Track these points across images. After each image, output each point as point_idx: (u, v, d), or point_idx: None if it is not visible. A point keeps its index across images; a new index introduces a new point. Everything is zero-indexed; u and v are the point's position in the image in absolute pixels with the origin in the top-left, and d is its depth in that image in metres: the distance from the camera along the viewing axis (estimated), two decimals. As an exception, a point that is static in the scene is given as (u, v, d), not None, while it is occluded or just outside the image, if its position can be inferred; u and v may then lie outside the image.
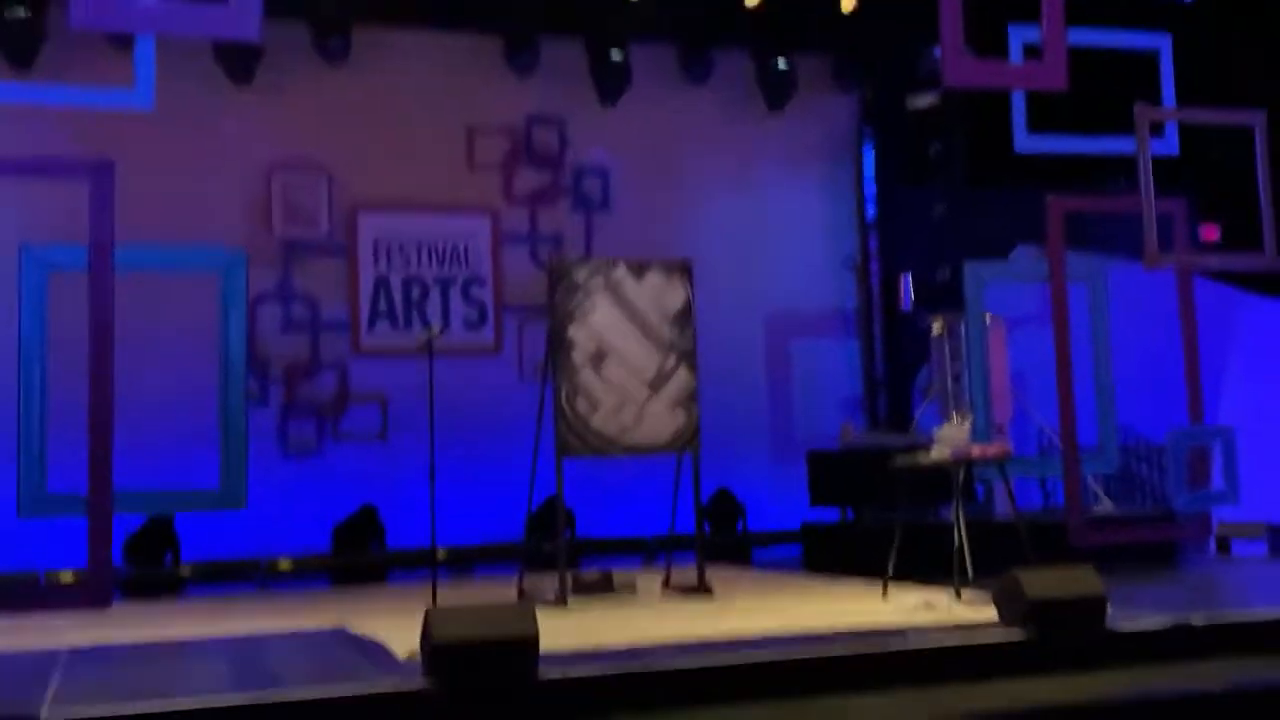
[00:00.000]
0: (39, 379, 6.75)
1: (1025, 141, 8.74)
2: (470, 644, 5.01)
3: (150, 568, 9.92)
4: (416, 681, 5.02)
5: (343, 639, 6.60)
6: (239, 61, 10.62)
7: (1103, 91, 9.53)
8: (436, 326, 7.40)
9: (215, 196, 10.75)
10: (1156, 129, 9.00)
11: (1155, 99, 9.22)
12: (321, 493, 10.77)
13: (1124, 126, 8.85)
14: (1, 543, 9.27)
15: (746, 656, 5.48)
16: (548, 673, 5.10)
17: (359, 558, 10.54)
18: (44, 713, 4.61)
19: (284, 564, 10.39)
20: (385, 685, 5.03)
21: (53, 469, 7.06)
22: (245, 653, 6.31)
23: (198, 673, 5.93)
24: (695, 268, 8.46)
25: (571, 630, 6.36)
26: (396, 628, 6.35)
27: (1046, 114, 9.64)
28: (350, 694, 4.92)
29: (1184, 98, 9.45)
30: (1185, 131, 9.66)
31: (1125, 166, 10.20)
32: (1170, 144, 9.05)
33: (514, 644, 5.07)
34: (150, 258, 7.46)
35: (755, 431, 12.19)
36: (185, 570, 10.05)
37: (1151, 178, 8.43)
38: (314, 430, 11.07)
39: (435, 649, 4.96)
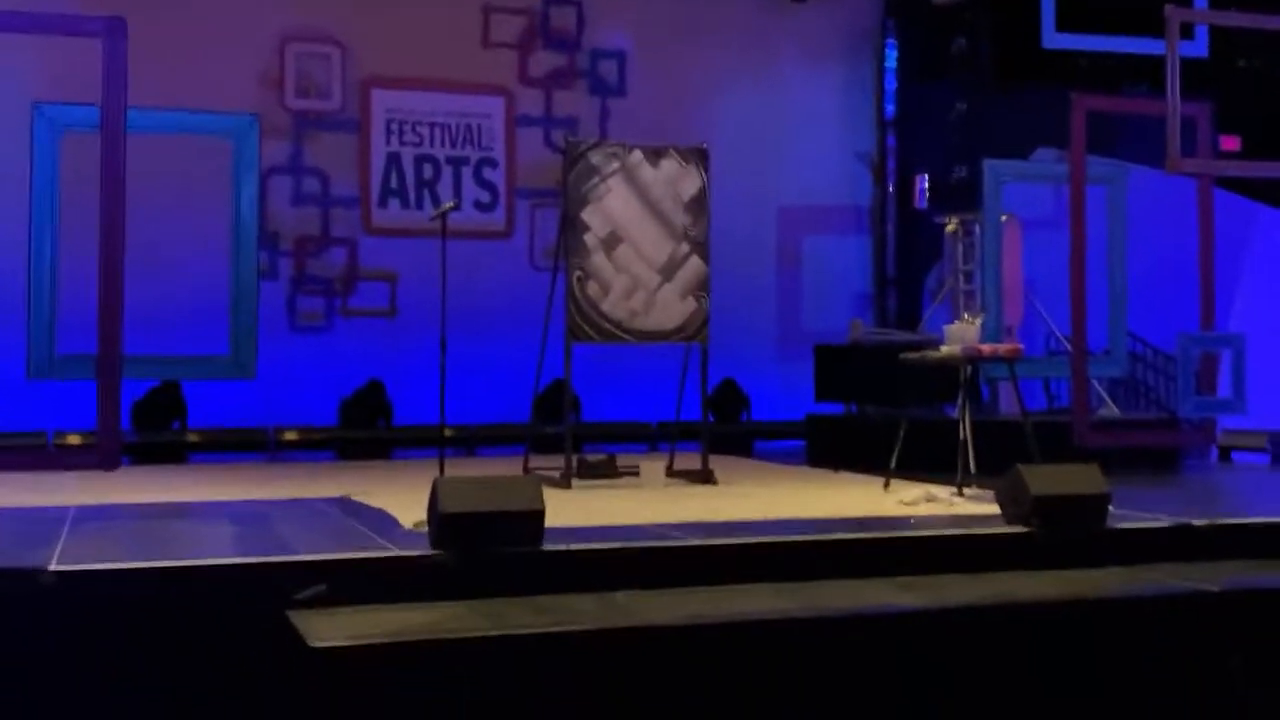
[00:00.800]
0: (50, 240, 6.71)
1: (1053, 39, 8.56)
2: (477, 515, 5.05)
3: (157, 433, 10.00)
4: (422, 549, 5.07)
5: (348, 508, 6.66)
6: (255, -73, 10.42)
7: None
8: (452, 202, 7.34)
9: (227, 65, 10.63)
10: (1186, 31, 8.83)
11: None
12: (329, 367, 10.82)
13: (1152, 29, 8.68)
14: (10, 403, 9.34)
15: (748, 538, 5.53)
16: (552, 545, 5.15)
17: (366, 432, 10.62)
18: (53, 564, 4.65)
19: (290, 435, 10.46)
20: (390, 552, 5.08)
21: (62, 331, 7.05)
22: (251, 517, 6.37)
23: (204, 534, 6.00)
24: (710, 157, 8.37)
25: (576, 509, 6.41)
26: (402, 499, 6.41)
27: (1075, 12, 9.48)
28: (355, 559, 4.97)
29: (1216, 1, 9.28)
30: (1211, 40, 9.50)
31: (1150, 72, 10.04)
32: (1199, 46, 8.91)
33: (520, 516, 5.11)
34: (163, 121, 7.37)
35: (763, 325, 12.19)
36: (192, 437, 10.13)
37: (1178, 80, 8.28)
38: (323, 305, 11.08)
39: (443, 518, 5.00)
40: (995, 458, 6.93)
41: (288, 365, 10.33)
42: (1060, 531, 5.83)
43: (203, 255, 9.18)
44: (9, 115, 7.53)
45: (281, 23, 10.96)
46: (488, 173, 11.57)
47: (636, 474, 8.05)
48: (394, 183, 11.29)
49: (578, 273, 7.91)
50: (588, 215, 7.96)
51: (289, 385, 10.37)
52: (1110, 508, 6.04)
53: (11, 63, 9.24)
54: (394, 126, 11.29)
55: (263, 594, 4.66)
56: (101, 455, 6.34)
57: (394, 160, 11.30)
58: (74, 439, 9.33)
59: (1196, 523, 6.09)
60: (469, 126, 11.49)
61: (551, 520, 5.25)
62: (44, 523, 5.84)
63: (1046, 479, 5.94)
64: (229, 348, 7.08)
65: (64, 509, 6.32)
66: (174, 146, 8.66)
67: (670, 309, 8.11)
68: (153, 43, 8.70)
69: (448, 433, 7.45)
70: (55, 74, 8.80)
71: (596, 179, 8.00)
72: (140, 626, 4.58)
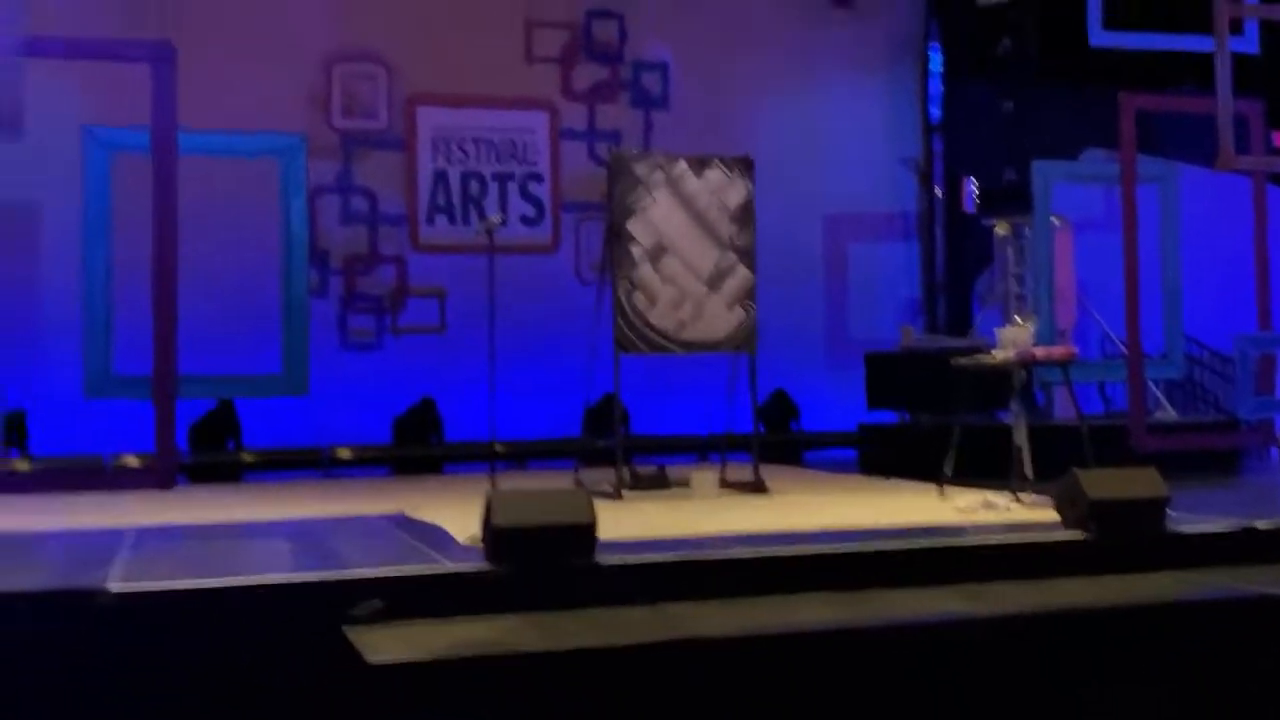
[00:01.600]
0: (104, 261, 6.80)
1: (1100, 37, 8.47)
2: (530, 528, 5.05)
3: (213, 453, 10.09)
4: (477, 564, 5.07)
5: (403, 523, 6.68)
6: (299, -51, 10.53)
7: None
8: (498, 217, 7.37)
9: (274, 86, 10.71)
10: (1236, 26, 8.72)
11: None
12: (380, 385, 10.87)
13: (1201, 25, 8.58)
14: (68, 424, 9.46)
15: (803, 548, 5.49)
16: (606, 558, 5.14)
17: (418, 448, 10.66)
18: (113, 585, 4.69)
19: (344, 453, 10.52)
20: (446, 567, 5.08)
21: (118, 352, 7.13)
22: (307, 534, 6.40)
23: (260, 552, 6.02)
24: (755, 166, 8.34)
25: (628, 521, 6.39)
26: (456, 515, 6.41)
27: (1122, 9, 9.37)
28: (411, 574, 4.98)
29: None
30: (1262, 36, 9.37)
31: (1198, 70, 9.90)
32: (1250, 42, 8.78)
33: (573, 529, 5.11)
34: (212, 143, 7.45)
35: (812, 334, 12.12)
36: (247, 456, 10.20)
37: (1230, 77, 8.17)
38: (373, 323, 11.15)
39: (496, 532, 5.00)
40: (1051, 463, 6.84)
41: (340, 383, 10.40)
42: (1119, 536, 5.75)
43: (254, 274, 9.26)
44: (61, 139, 7.63)
45: (327, 43, 11.05)
46: (533, 187, 11.61)
47: (688, 486, 8.01)
48: (441, 200, 11.35)
49: (625, 284, 7.91)
50: (633, 227, 7.96)
51: (341, 403, 10.44)
52: (1170, 511, 5.95)
53: (62, 87, 9.34)
54: (440, 144, 11.36)
55: (320, 611, 4.68)
56: (158, 475, 6.42)
57: (441, 177, 11.36)
58: (131, 460, 9.42)
59: (1260, 525, 5.99)
60: (514, 142, 11.54)
61: (604, 533, 5.24)
62: (102, 543, 5.89)
63: (1104, 483, 5.87)
64: (282, 366, 7.14)
65: (121, 529, 6.38)
66: (223, 167, 8.74)
67: (718, 319, 8.09)
68: (201, 65, 8.81)
69: (499, 448, 7.48)
70: (105, 98, 8.93)
71: (641, 190, 8.00)
72: (198, 645, 4.60)
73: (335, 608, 4.68)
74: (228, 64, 10.37)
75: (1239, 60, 8.58)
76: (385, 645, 4.33)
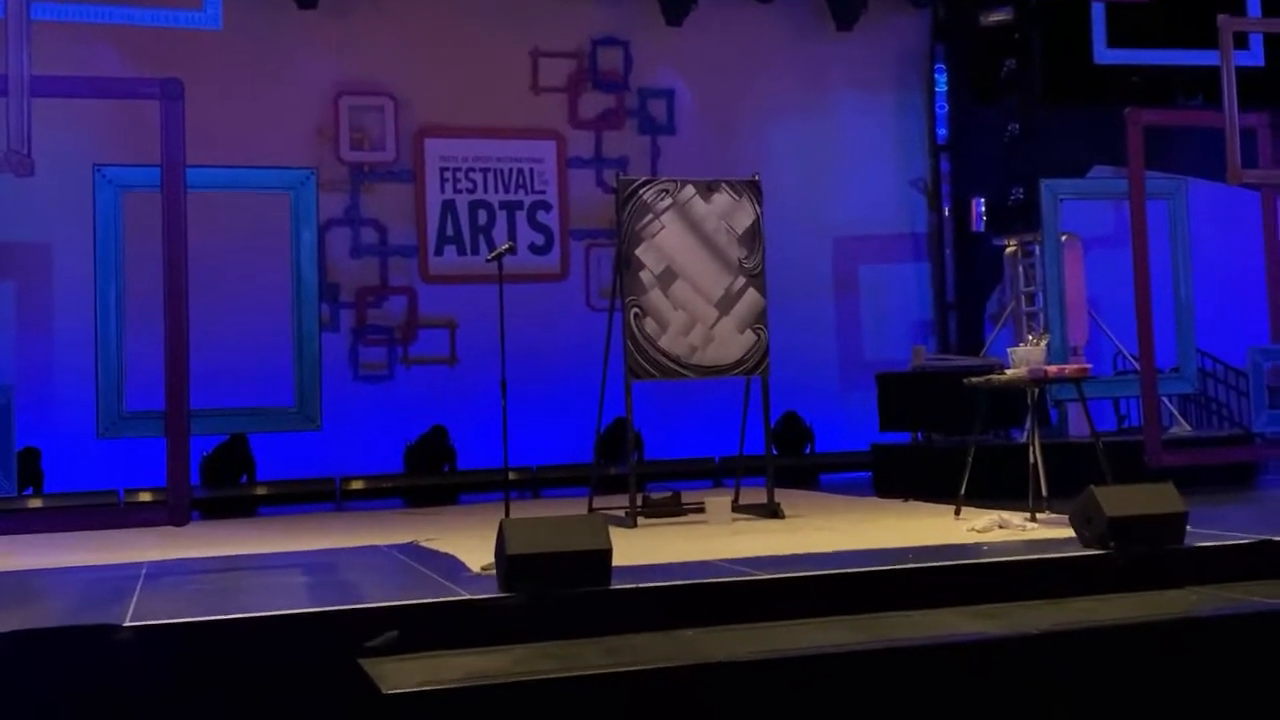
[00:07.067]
0: (115, 300, 6.82)
1: (1104, 54, 8.48)
2: (544, 556, 5.03)
3: (226, 488, 10.10)
4: (491, 593, 5.06)
5: (416, 554, 6.66)
6: (304, -16, 10.62)
7: (1185, 2, 9.27)
8: (508, 244, 7.39)
9: (282, 121, 10.80)
10: (1241, 40, 8.72)
11: (1240, 9, 8.93)
12: (392, 416, 10.89)
13: (1206, 40, 8.59)
14: (82, 462, 9.48)
15: (818, 570, 5.46)
16: (621, 584, 5.11)
17: (431, 478, 10.67)
18: (127, 620, 4.69)
19: (356, 484, 10.53)
20: (460, 596, 5.07)
21: (130, 389, 7.15)
22: (320, 567, 6.39)
23: (274, 585, 6.01)
24: (763, 189, 8.35)
25: (642, 547, 6.37)
26: (469, 543, 6.40)
27: (1125, 27, 9.38)
28: (425, 604, 4.96)
29: (1270, 8, 9.16)
30: (1267, 49, 9.38)
31: (1205, 84, 9.92)
32: (1255, 55, 8.78)
33: (588, 556, 5.09)
34: (221, 178, 7.49)
35: (823, 356, 12.13)
36: (260, 490, 10.22)
37: (1235, 90, 8.17)
38: (385, 355, 11.18)
39: (511, 560, 4.99)
40: (1067, 481, 6.80)
41: (351, 415, 10.42)
42: (1138, 552, 5.71)
43: (265, 308, 9.30)
44: (72, 178, 7.68)
45: (334, 76, 11.12)
46: (541, 215, 11.64)
47: (702, 511, 7.99)
48: (450, 230, 11.39)
49: (634, 310, 7.91)
50: (642, 253, 7.96)
51: (353, 435, 10.46)
52: (1188, 527, 5.91)
53: (73, 127, 9.43)
54: (448, 174, 11.40)
55: (334, 642, 4.67)
56: (172, 511, 6.42)
57: (449, 208, 11.40)
58: (145, 496, 9.45)
59: (1278, 539, 5.94)
60: (521, 171, 11.58)
61: (618, 559, 5.22)
62: (117, 579, 5.89)
63: (1121, 500, 5.83)
64: (294, 400, 7.15)
65: (137, 565, 6.37)
66: (233, 202, 8.79)
67: (729, 343, 8.08)
68: (209, 102, 8.87)
69: (511, 475, 7.47)
70: (115, 138, 8.99)
71: (650, 216, 8.00)
72: (214, 679, 4.59)
73: (349, 639, 4.67)
74: (236, 100, 10.44)
75: (1245, 73, 8.58)
76: (400, 676, 4.31)
